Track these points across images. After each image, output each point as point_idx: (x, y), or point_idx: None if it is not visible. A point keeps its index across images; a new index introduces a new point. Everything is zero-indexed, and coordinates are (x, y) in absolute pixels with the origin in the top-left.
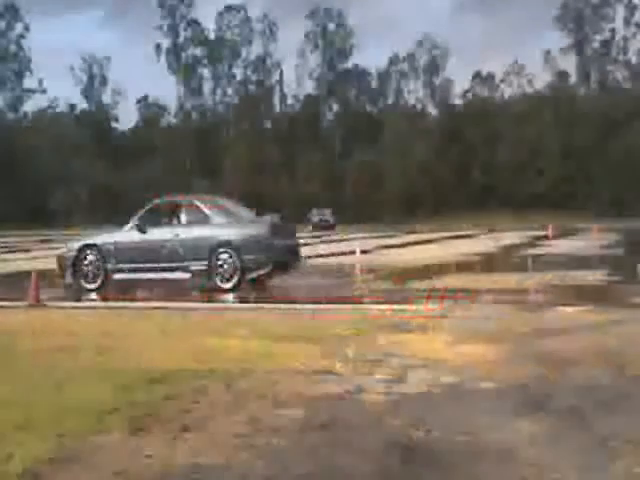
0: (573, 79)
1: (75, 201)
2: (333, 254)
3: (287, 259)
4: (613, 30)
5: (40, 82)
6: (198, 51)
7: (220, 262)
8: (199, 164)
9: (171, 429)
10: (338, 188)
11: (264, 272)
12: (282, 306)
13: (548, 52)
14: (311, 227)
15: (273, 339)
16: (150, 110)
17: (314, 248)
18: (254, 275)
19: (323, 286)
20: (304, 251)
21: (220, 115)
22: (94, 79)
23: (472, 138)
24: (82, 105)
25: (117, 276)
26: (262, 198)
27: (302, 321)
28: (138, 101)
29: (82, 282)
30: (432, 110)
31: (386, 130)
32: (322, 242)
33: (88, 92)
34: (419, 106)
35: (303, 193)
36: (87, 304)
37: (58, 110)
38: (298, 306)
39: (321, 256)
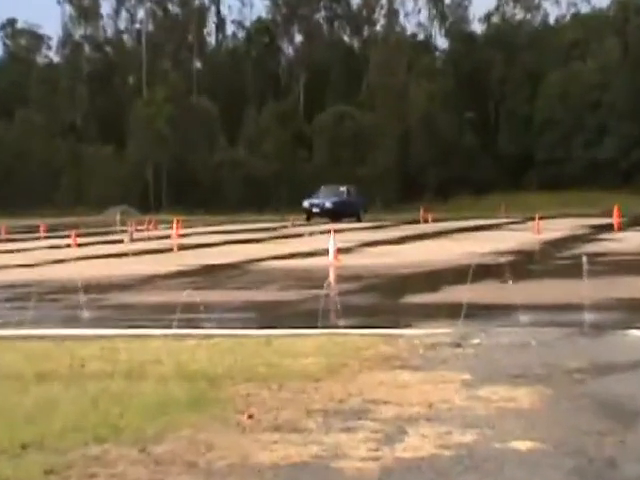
0: None
1: None
2: (296, 255)
3: None
4: None
5: None
6: None
7: None
8: (96, 122)
9: None
10: (303, 156)
11: None
12: (226, 332)
13: None
14: (306, 217)
15: (208, 381)
16: (20, 41)
17: (266, 246)
18: None
19: (282, 302)
20: (254, 251)
21: (127, 50)
22: None
23: (500, 83)
24: None
25: None
26: (187, 171)
27: (253, 353)
28: (1, 27)
29: None
30: (440, 42)
31: (373, 71)
32: (281, 237)
33: None
34: (421, 36)
35: (250, 163)
36: None
37: None
38: (248, 332)
39: (279, 257)
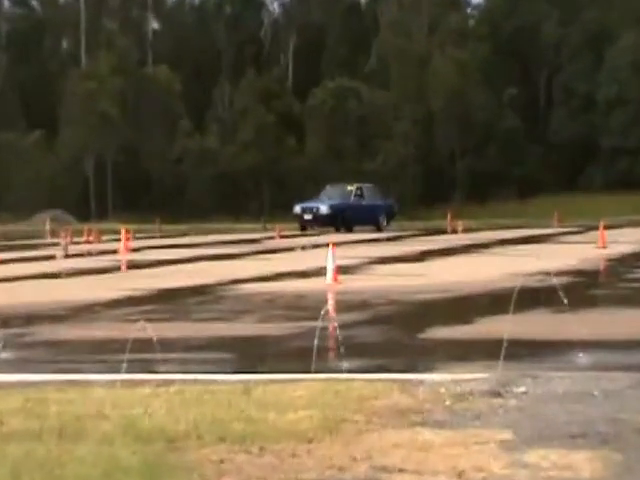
0: None
1: None
2: (284, 275)
3: None
4: None
5: None
6: None
7: None
8: (18, 100)
9: None
10: (292, 147)
11: None
12: (191, 377)
13: None
14: (300, 226)
15: (168, 442)
16: None
17: (245, 264)
18: None
19: (266, 338)
20: (228, 270)
21: (59, 5)
22: None
23: (553, 49)
24: None
25: None
26: (140, 166)
27: (227, 405)
28: None
29: None
30: None
31: (385, 34)
32: (265, 252)
33: None
34: None
35: (223, 156)
36: None
37: None
38: (221, 377)
39: (261, 279)
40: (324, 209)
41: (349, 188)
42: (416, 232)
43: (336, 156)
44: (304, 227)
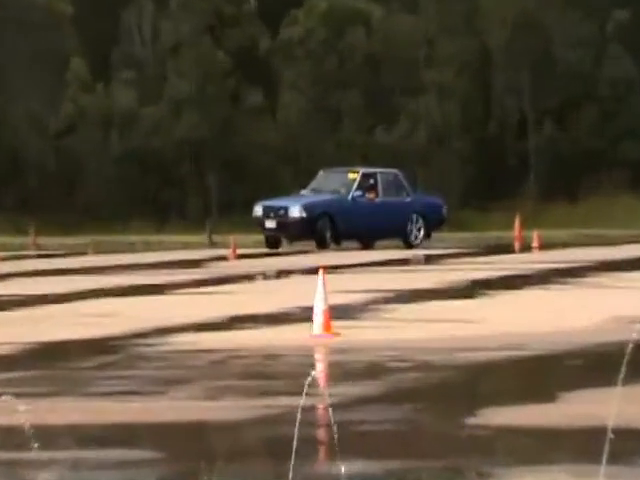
0: None
1: None
2: (242, 321)
3: None
4: None
5: None
6: None
7: None
8: None
9: None
10: (256, 106)
11: None
12: None
13: None
14: (266, 238)
15: None
16: None
17: (178, 302)
18: None
19: (211, 426)
20: (151, 311)
21: None
22: None
23: None
24: None
25: None
26: (4, 140)
27: None
28: None
29: None
30: None
31: None
32: (211, 282)
33: None
34: None
35: (139, 122)
36: None
37: None
38: None
39: (205, 327)
40: (295, 211)
41: (351, 176)
42: (463, 249)
43: (329, 121)
44: (274, 240)
